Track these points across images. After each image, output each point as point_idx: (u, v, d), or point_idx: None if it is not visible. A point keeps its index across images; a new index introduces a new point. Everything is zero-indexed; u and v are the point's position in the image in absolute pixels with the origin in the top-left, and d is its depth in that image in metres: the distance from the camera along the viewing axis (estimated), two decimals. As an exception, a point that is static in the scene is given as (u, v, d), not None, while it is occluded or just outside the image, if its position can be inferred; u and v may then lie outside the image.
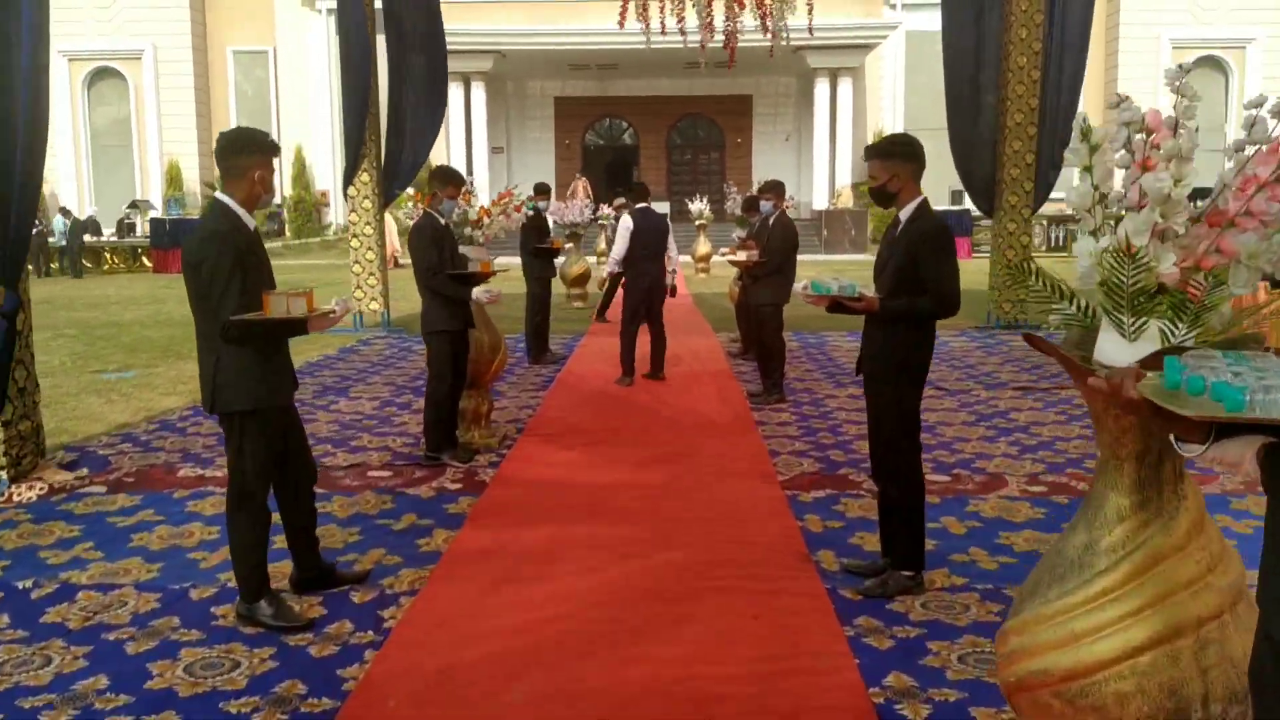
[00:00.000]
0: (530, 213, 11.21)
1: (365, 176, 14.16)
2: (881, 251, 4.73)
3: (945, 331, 13.60)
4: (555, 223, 17.33)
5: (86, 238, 29.29)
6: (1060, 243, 30.90)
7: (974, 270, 25.41)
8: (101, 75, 38.37)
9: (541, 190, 12.00)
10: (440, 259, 6.72)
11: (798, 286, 4.85)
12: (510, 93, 38.62)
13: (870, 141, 36.42)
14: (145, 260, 27.81)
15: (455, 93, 33.15)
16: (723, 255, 12.19)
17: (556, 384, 10.37)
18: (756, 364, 9.62)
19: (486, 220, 7.58)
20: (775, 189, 9.34)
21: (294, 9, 37.10)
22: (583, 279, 17.45)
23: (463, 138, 33.30)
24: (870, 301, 4.45)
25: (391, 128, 14.36)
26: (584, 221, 17.30)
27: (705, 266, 23.63)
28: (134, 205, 32.52)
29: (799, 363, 11.58)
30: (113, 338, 14.19)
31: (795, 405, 9.03)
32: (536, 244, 11.64)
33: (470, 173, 32.98)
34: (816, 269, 26.30)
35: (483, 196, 33.90)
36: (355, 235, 14.23)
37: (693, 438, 7.76)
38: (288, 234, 36.50)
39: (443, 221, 6.88)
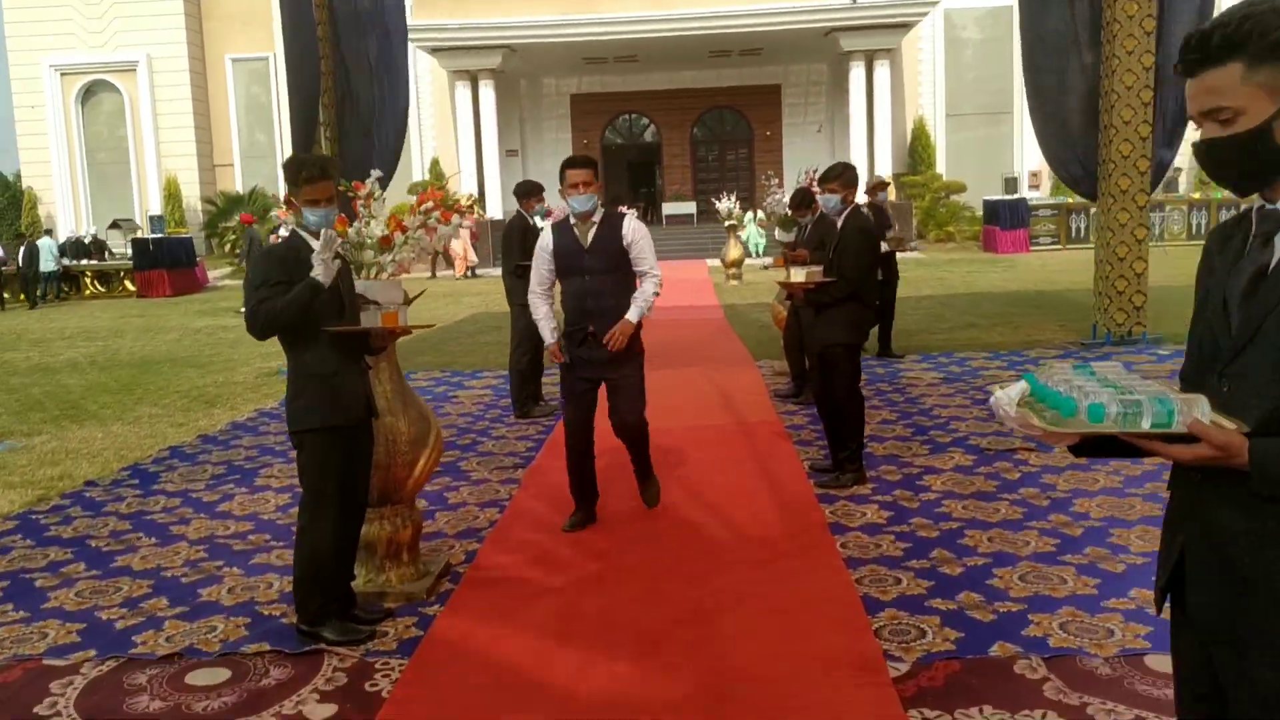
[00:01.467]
0: (548, 219, 8.45)
1: (320, 182, 11.35)
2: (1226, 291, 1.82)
3: (1042, 348, 10.63)
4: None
5: (80, 261, 26.85)
6: (1202, 229, 27.30)
7: (1053, 268, 22.43)
8: (96, 89, 35.99)
9: (529, 191, 9.10)
10: (290, 305, 3.94)
11: (1006, 395, 1.87)
12: (523, 91, 35.84)
13: (911, 128, 33.40)
14: (129, 284, 25.23)
15: (463, 93, 30.44)
16: (767, 268, 9.27)
17: (545, 451, 7.51)
18: (822, 426, 6.71)
19: (399, 238, 4.73)
20: (842, 177, 6.38)
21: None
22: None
23: (472, 141, 30.54)
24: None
25: (349, 127, 11.58)
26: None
27: (737, 273, 20.70)
28: (115, 225, 29.99)
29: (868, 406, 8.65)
30: (19, 390, 11.50)
31: (880, 488, 6.13)
32: (521, 260, 8.76)
33: (481, 178, 30.26)
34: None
35: (493, 208, 31.24)
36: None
37: (734, 573, 4.86)
38: (293, 249, 33.93)
39: (312, 238, 4.09)
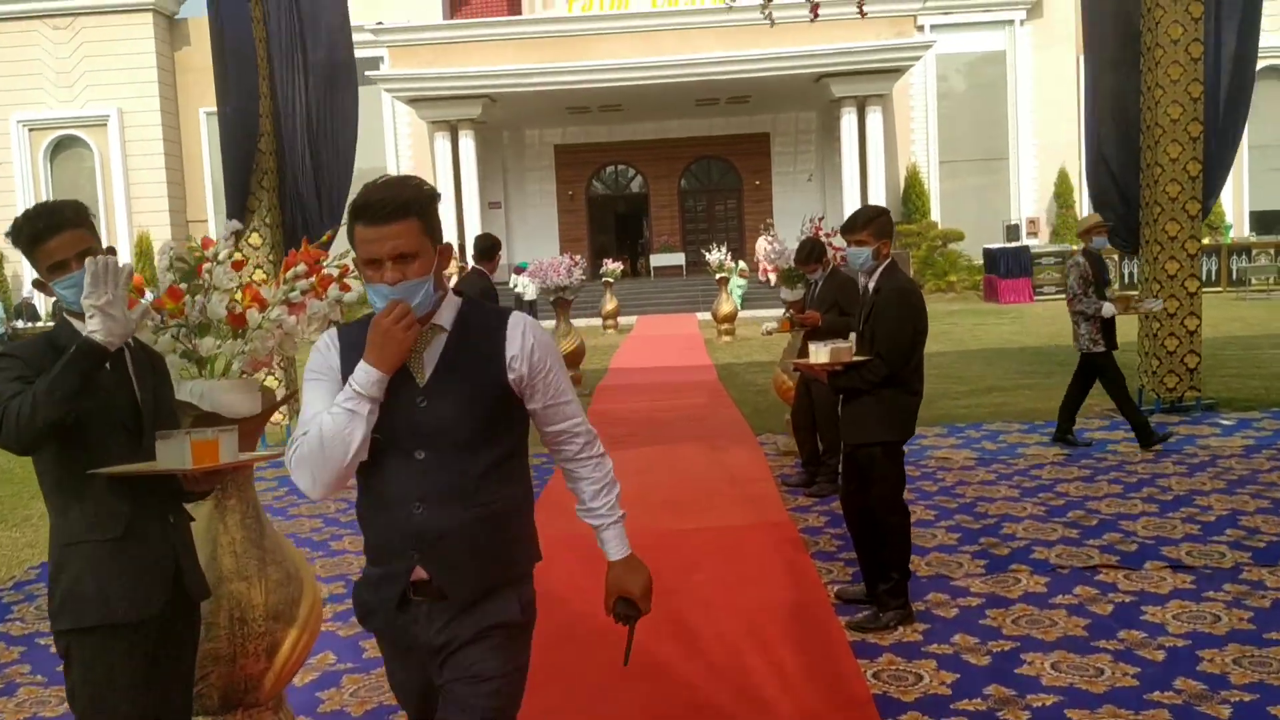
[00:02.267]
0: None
1: (256, 238, 9.91)
2: None
3: (1083, 417, 9.15)
4: (541, 288, 13.05)
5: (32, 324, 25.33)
6: (1214, 277, 25.20)
7: (1064, 320, 20.15)
8: (65, 144, 34.66)
9: (492, 248, 7.59)
10: (54, 387, 2.44)
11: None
12: (506, 143, 34.59)
13: (905, 176, 32.21)
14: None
15: (442, 144, 29.17)
16: (770, 333, 7.81)
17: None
18: (849, 536, 5.19)
19: (255, 318, 3.21)
20: (875, 223, 4.88)
21: (268, 63, 33.32)
22: (576, 358, 13.09)
23: (451, 193, 29.19)
24: None
25: (293, 160, 10.18)
26: (574, 284, 12.98)
27: (730, 329, 19.24)
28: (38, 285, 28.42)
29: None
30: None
31: (934, 631, 4.60)
32: None
33: (461, 232, 28.90)
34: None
35: (470, 260, 29.61)
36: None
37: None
38: (268, 307, 32.44)
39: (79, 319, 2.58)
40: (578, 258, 13.15)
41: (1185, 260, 9.50)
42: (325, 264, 3.53)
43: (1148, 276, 9.74)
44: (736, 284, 30.91)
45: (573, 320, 14.31)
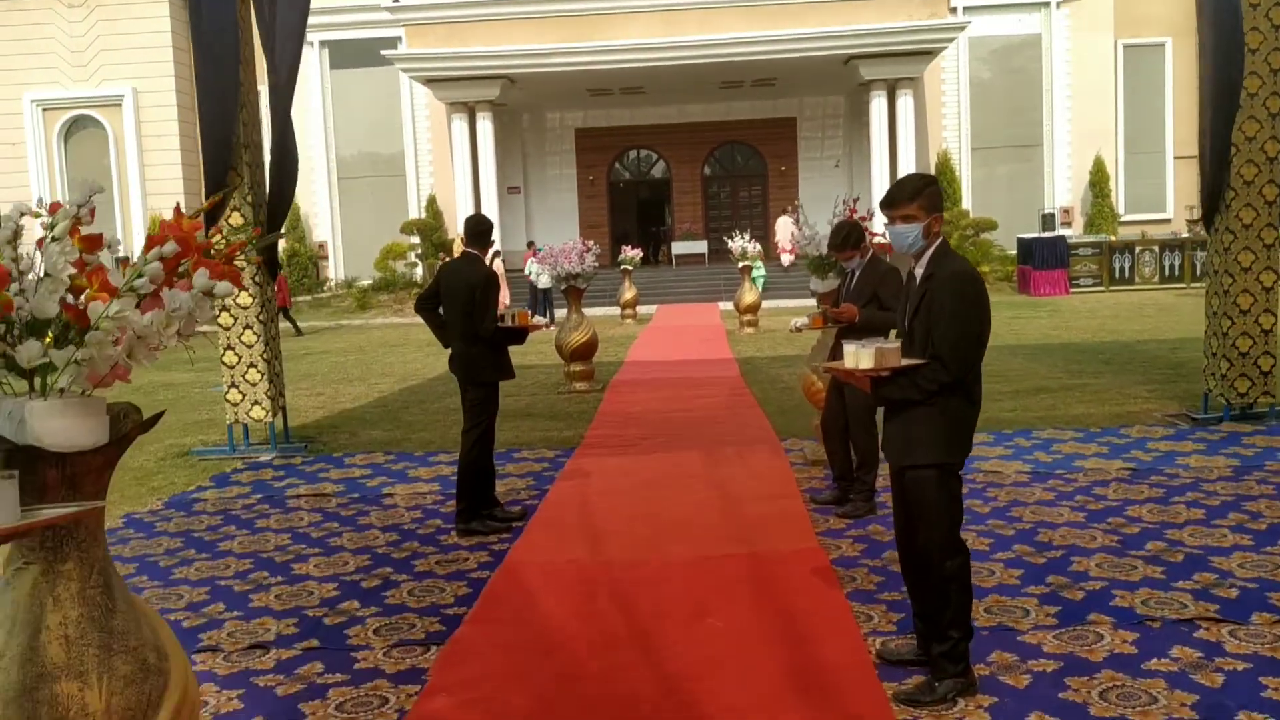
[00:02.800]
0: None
1: (238, 217, 9.06)
2: None
3: (1144, 424, 8.17)
4: (553, 275, 12.16)
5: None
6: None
7: (1103, 314, 19.92)
8: (79, 124, 34.02)
9: (475, 234, 6.63)
10: None
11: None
12: (526, 126, 33.68)
13: (935, 163, 31.08)
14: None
15: (459, 127, 28.25)
16: (799, 329, 6.88)
17: (479, 607, 5.04)
18: (910, 597, 4.24)
19: (98, 310, 2.31)
20: (923, 195, 3.89)
21: (284, 43, 32.52)
22: (588, 350, 12.19)
23: (469, 177, 28.31)
24: None
25: (272, 145, 9.35)
26: (587, 271, 12.07)
27: (753, 319, 18.30)
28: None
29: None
30: None
31: (1007, 708, 3.68)
32: (495, 324, 6.46)
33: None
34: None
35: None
36: (222, 306, 9.08)
37: None
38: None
39: None
40: (591, 243, 12.22)
41: (1261, 251, 8.48)
42: (216, 240, 2.65)
43: (1217, 268, 8.73)
44: (758, 273, 29.89)
45: (588, 309, 13.43)
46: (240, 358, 9.05)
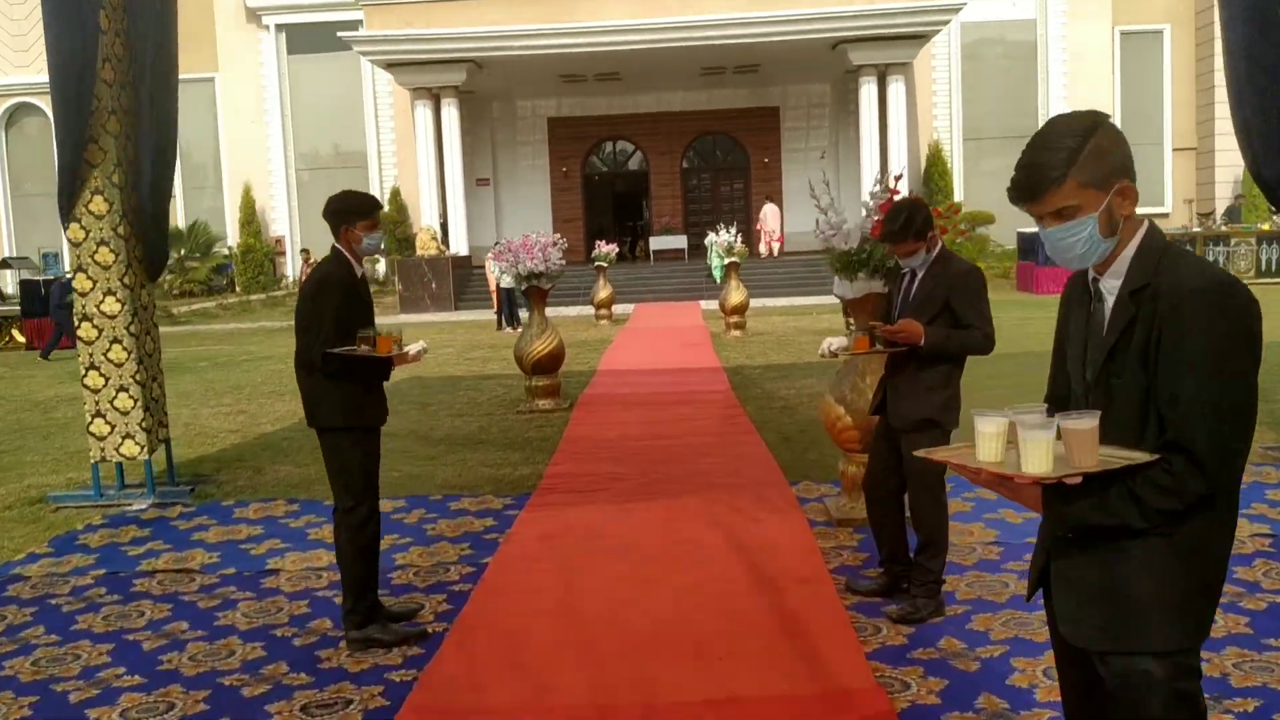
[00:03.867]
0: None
1: (100, 203, 7.02)
2: None
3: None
4: (512, 274, 10.22)
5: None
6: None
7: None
8: (21, 113, 31.80)
9: (354, 209, 4.52)
10: None
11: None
12: (495, 115, 31.67)
13: (926, 154, 29.32)
14: (17, 333, 20.79)
15: (423, 114, 26.21)
16: (836, 354, 4.94)
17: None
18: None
19: None
20: (1082, 155, 2.00)
21: (238, 29, 30.43)
22: (552, 362, 10.27)
23: (433, 168, 26.28)
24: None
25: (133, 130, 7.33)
26: (553, 269, 10.13)
27: (740, 321, 16.40)
28: (4, 264, 25.63)
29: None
30: None
31: None
32: (335, 336, 4.35)
33: (444, 211, 26.03)
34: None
35: (458, 241, 26.81)
36: (83, 315, 7.07)
37: None
38: (237, 289, 29.61)
39: None
40: (557, 237, 10.26)
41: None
42: None
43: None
44: (717, 257, 27.73)
45: (558, 309, 11.49)
46: (107, 379, 7.06)
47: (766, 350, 14.41)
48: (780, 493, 6.46)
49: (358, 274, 4.42)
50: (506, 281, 16.88)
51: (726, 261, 16.31)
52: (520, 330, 15.86)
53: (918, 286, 4.31)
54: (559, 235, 10.46)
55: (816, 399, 9.92)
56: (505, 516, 6.27)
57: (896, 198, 5.50)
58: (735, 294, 16.25)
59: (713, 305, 22.20)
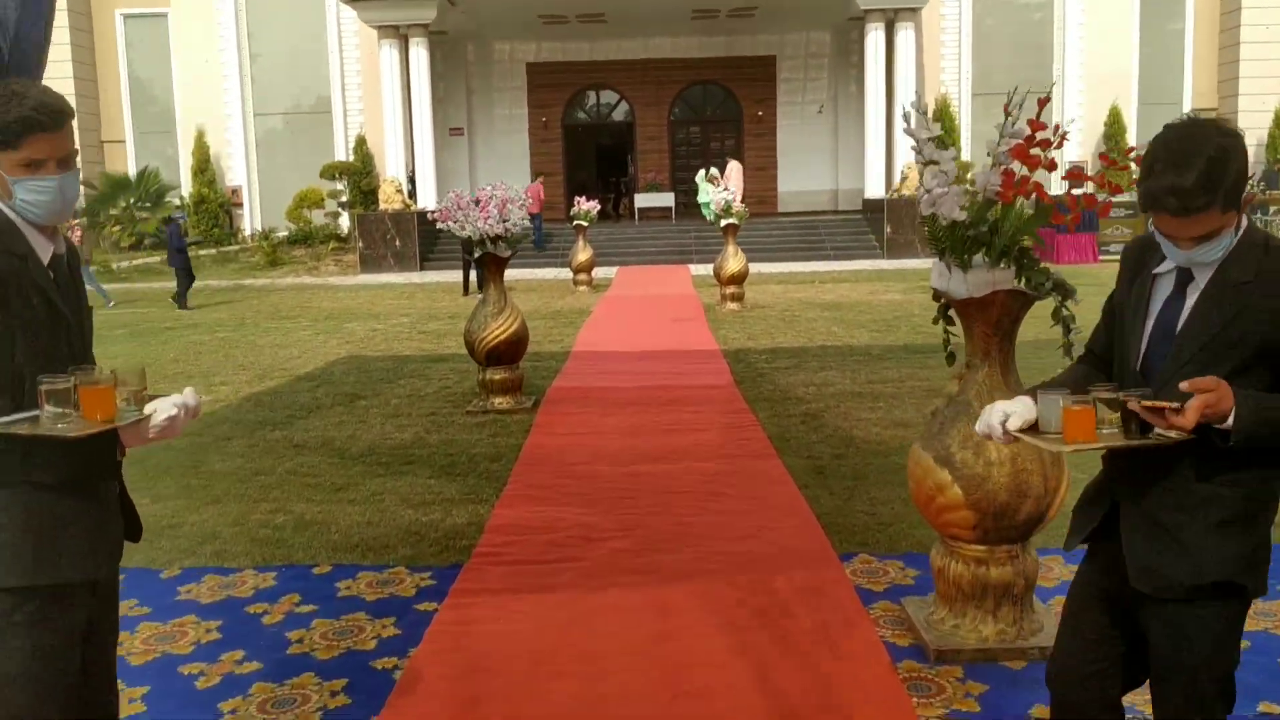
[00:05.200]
0: None
1: None
2: None
3: None
4: (466, 235, 7.94)
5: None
6: None
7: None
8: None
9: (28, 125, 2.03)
10: None
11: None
12: (471, 59, 29.12)
13: (933, 110, 26.97)
14: None
15: (389, 55, 23.67)
16: (1009, 434, 2.51)
17: None
18: None
19: None
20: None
21: (192, -43, 27.60)
22: (512, 350, 8.05)
23: (400, 115, 23.80)
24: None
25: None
26: (514, 230, 7.86)
27: (738, 293, 14.18)
28: None
29: None
30: None
31: None
32: None
33: (411, 163, 23.61)
34: (870, 285, 16.73)
35: (426, 195, 24.31)
36: None
37: None
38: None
39: None
40: (516, 191, 7.97)
41: None
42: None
43: None
44: (706, 192, 25.19)
45: (533, 271, 9.24)
46: None
47: (770, 329, 12.21)
48: (830, 581, 4.28)
49: (42, 254, 2.15)
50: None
51: (725, 223, 14.03)
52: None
53: (1202, 301, 2.09)
54: (521, 189, 8.12)
55: (844, 403, 7.78)
56: (414, 617, 4.08)
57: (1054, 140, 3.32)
58: (733, 261, 14.00)
59: (703, 270, 19.98)
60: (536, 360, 10.22)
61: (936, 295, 3.71)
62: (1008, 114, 3.53)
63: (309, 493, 5.88)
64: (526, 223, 8.05)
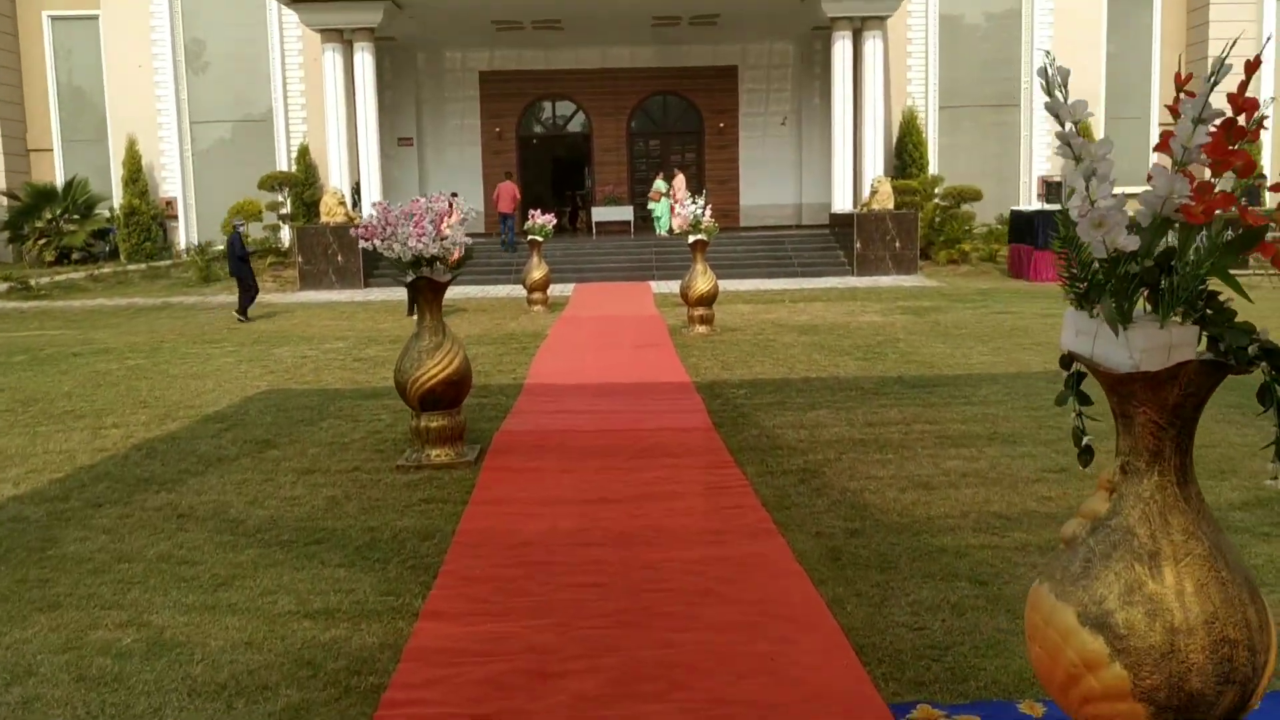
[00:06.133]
0: None
1: None
2: None
3: None
4: (395, 256, 6.57)
5: None
6: None
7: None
8: None
9: None
10: None
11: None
12: (421, 67, 27.73)
13: (900, 122, 25.98)
14: None
15: (333, 60, 22.20)
16: None
17: None
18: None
19: None
20: None
21: (124, -44, 25.92)
22: (451, 392, 6.69)
23: (343, 123, 22.33)
24: None
25: None
26: (447, 249, 6.52)
27: (705, 315, 12.92)
28: None
29: None
30: None
31: None
32: None
33: (355, 173, 22.18)
34: (845, 305, 15.56)
35: (370, 206, 22.70)
36: None
37: None
38: (121, 256, 25.40)
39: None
40: (459, 201, 6.65)
41: None
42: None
43: None
44: (659, 207, 24.31)
45: (485, 288, 7.89)
46: None
47: (745, 356, 10.96)
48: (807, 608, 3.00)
49: None
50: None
51: (693, 239, 12.77)
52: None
53: None
54: (461, 199, 6.75)
55: (846, 453, 6.54)
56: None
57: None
58: (701, 280, 12.74)
59: (665, 288, 18.76)
60: (483, 395, 8.90)
61: (1066, 362, 2.45)
62: (1181, 90, 2.30)
63: (180, 591, 4.50)
64: (469, 241, 6.71)
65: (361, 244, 6.53)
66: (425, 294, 6.61)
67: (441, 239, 6.42)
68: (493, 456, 6.76)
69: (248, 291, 16.09)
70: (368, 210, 21.96)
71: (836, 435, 7.15)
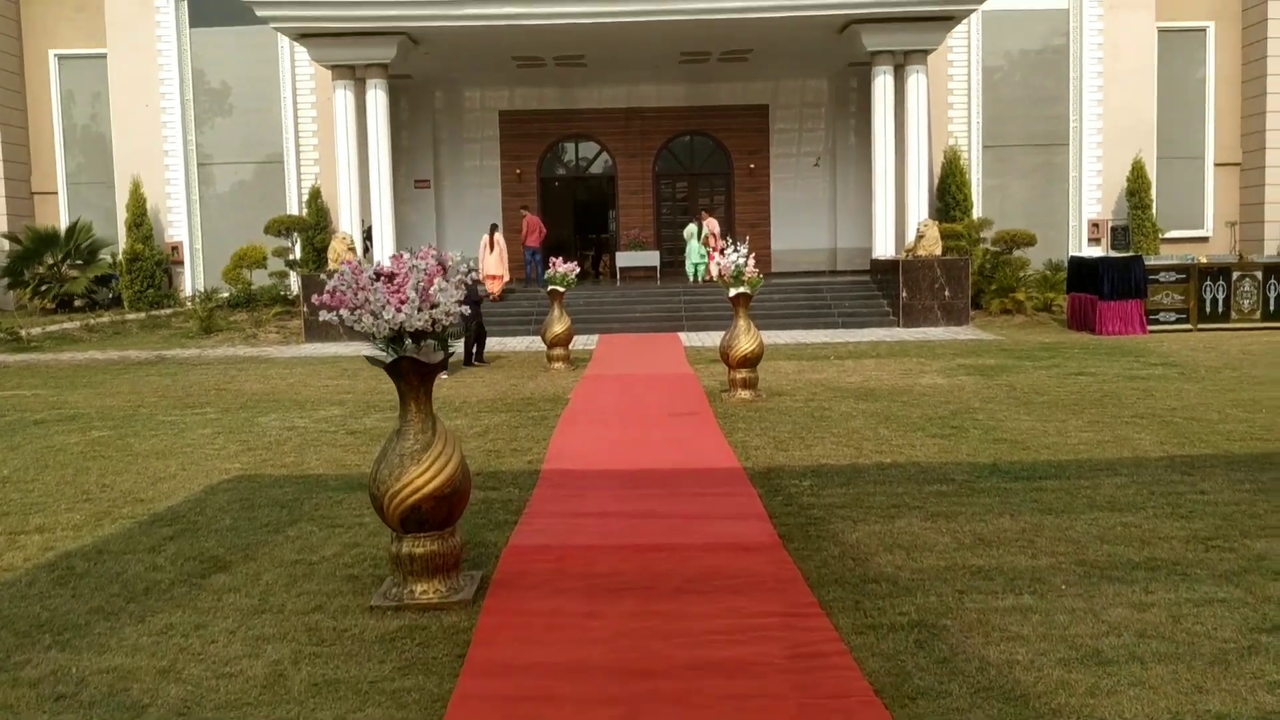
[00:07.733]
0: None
1: None
2: None
3: None
4: (367, 330, 4.91)
5: None
6: None
7: (1242, 368, 12.57)
8: None
9: None
10: None
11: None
12: (439, 106, 26.43)
13: (942, 162, 24.40)
14: None
15: (344, 98, 20.87)
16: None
17: None
18: None
19: None
20: None
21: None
22: (442, 510, 5.05)
23: (354, 164, 20.94)
24: None
25: None
26: (444, 316, 4.90)
27: (750, 378, 11.26)
28: None
29: None
30: None
31: None
32: None
33: (367, 214, 20.76)
34: (899, 363, 13.81)
35: (384, 253, 21.41)
36: None
37: None
38: (124, 304, 24.03)
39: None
40: (456, 257, 5.07)
41: None
42: None
43: None
44: (697, 251, 23.09)
45: (507, 340, 6.28)
46: None
47: (800, 431, 9.28)
48: None
49: None
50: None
51: (734, 293, 11.17)
52: (469, 367, 10.57)
53: None
54: (457, 254, 5.13)
55: (969, 596, 4.86)
56: None
57: None
58: (745, 339, 11.11)
59: (697, 340, 17.15)
60: (492, 487, 7.27)
61: None
62: None
63: None
64: (465, 310, 5.11)
65: (323, 316, 4.94)
66: (409, 379, 5.00)
67: (433, 306, 4.83)
68: (496, 592, 5.12)
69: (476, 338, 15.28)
70: (381, 255, 20.53)
71: (944, 559, 5.47)
